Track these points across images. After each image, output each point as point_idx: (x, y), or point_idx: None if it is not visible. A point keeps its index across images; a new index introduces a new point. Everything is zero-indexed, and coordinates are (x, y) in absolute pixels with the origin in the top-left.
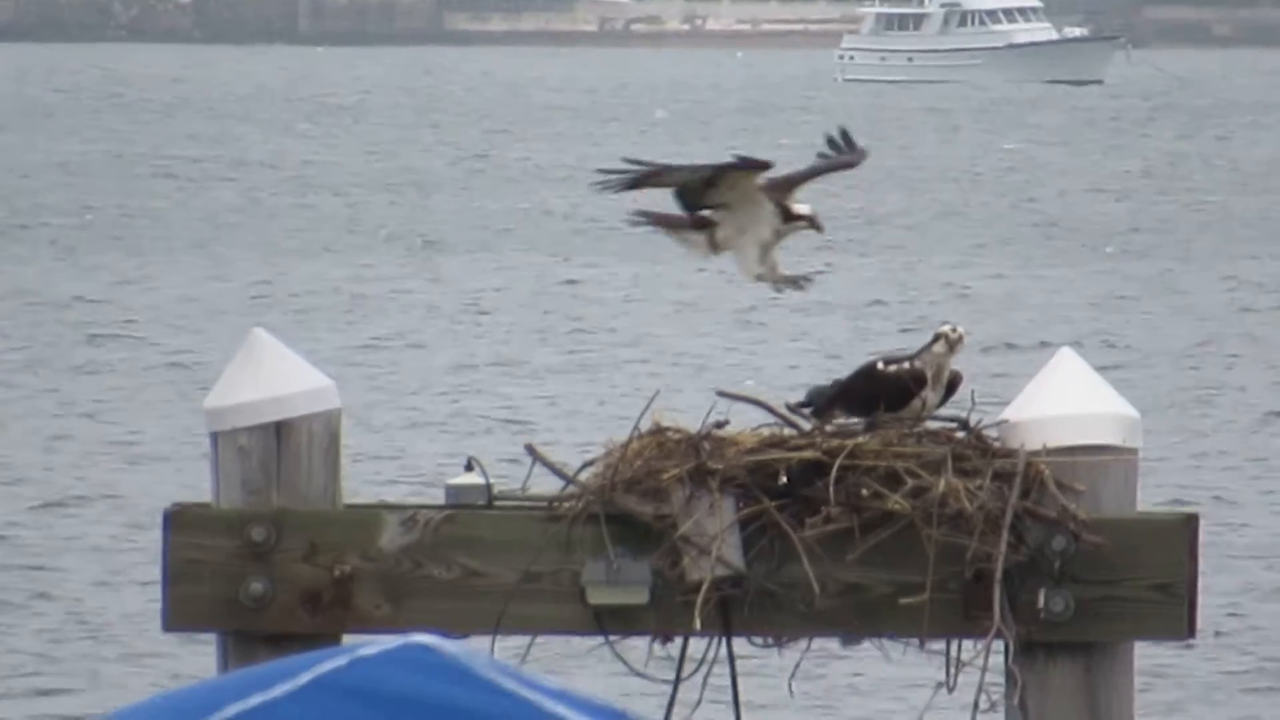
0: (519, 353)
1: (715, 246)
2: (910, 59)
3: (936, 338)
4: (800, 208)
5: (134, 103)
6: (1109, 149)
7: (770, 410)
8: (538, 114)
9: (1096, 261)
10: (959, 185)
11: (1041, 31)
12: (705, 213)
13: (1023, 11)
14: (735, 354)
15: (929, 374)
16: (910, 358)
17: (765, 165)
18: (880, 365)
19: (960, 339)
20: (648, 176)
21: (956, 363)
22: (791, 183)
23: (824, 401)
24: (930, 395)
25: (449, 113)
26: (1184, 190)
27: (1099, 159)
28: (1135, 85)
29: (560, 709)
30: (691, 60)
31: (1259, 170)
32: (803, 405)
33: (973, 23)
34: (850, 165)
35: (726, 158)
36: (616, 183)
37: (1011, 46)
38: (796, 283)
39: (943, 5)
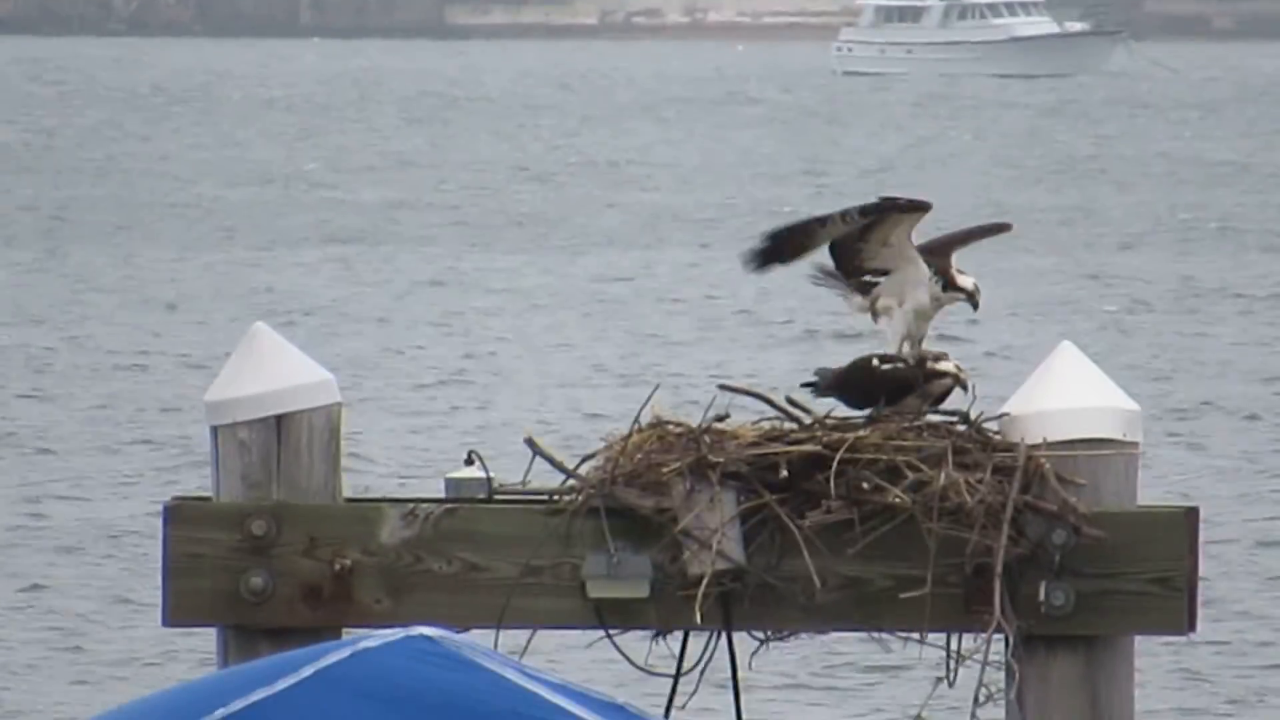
0: (497, 346)
1: (874, 313)
2: (909, 51)
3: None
4: (963, 279)
5: (68, 94)
6: (1036, 143)
7: (770, 404)
8: (485, 106)
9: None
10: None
11: (1042, 25)
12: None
13: (1023, 5)
14: (718, 350)
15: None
16: (904, 358)
17: (920, 206)
18: (875, 363)
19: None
20: (798, 240)
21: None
22: (949, 246)
23: (824, 386)
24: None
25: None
26: (1102, 182)
27: (1017, 153)
28: (1110, 80)
29: (561, 700)
30: (690, 53)
31: (1175, 169)
32: (808, 384)
33: (973, 16)
34: (1003, 229)
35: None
36: (767, 259)
37: (1012, 40)
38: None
39: None
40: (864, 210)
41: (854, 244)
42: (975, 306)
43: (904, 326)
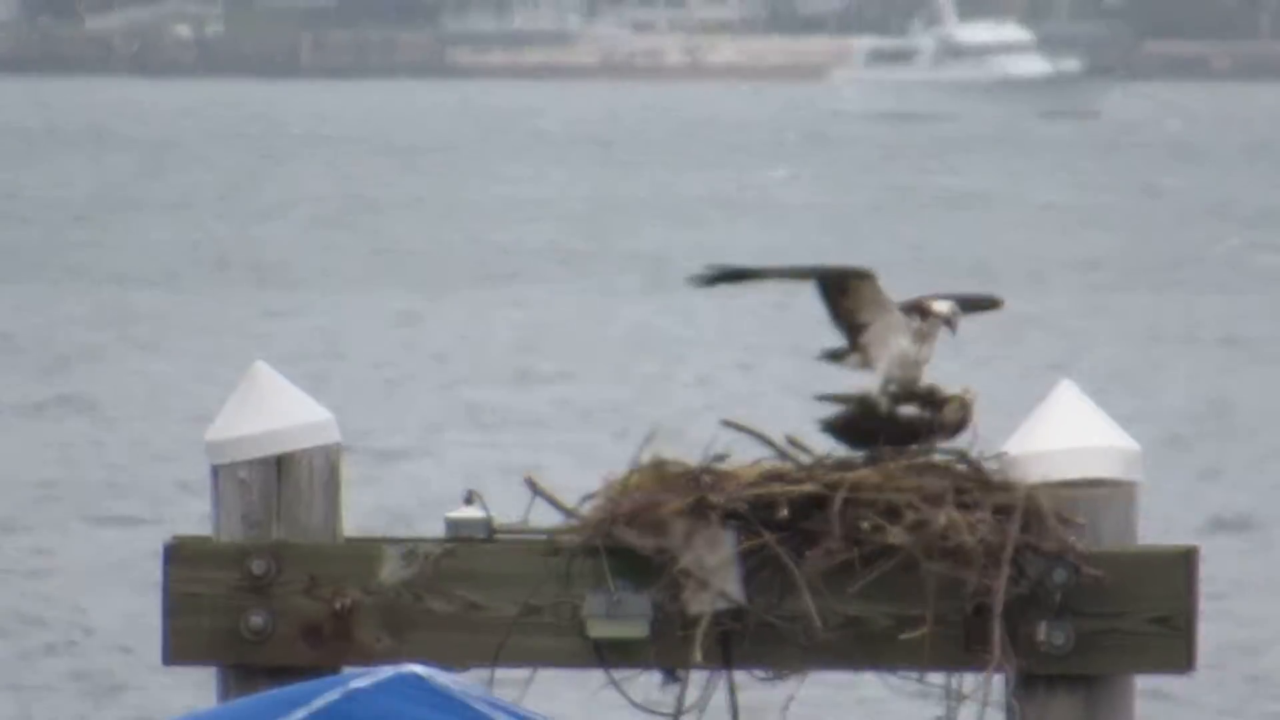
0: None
1: (868, 363)
2: (901, 91)
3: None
4: (938, 305)
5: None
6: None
7: (770, 444)
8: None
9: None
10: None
11: (1035, 65)
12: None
13: (1015, 45)
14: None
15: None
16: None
17: (866, 275)
18: (885, 405)
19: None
20: (742, 274)
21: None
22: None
23: (833, 430)
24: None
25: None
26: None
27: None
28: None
29: None
30: (690, 94)
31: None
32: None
33: (965, 56)
34: (994, 305)
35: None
36: (709, 279)
37: (1005, 80)
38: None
39: (934, 39)
40: (818, 279)
41: (833, 302)
42: (953, 330)
43: (885, 376)
